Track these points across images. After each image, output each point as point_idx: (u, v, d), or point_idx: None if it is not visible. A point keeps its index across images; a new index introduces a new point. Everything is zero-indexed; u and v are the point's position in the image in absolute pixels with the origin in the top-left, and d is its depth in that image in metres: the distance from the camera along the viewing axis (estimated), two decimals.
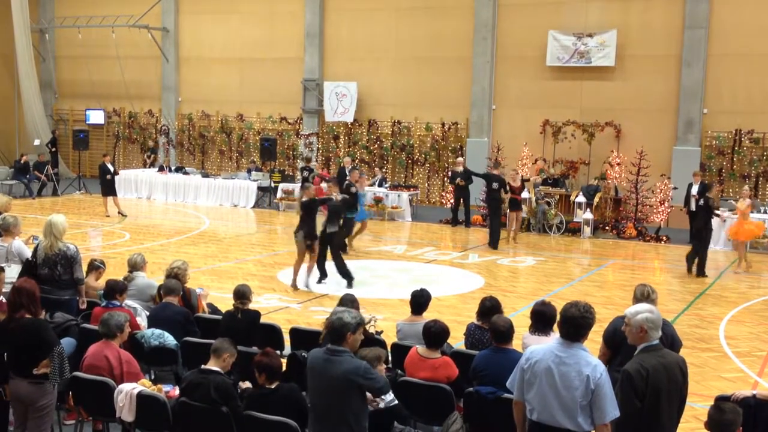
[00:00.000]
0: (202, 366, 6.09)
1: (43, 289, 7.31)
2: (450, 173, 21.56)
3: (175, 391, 6.35)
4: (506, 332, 6.43)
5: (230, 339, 6.33)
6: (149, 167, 26.51)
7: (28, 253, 8.78)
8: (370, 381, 5.33)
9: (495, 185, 17.50)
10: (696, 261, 15.02)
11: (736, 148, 20.40)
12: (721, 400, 5.52)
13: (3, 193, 15.83)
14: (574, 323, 4.99)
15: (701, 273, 14.91)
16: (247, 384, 6.46)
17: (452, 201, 20.88)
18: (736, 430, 4.98)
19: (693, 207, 17.80)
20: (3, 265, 8.81)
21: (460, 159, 21.55)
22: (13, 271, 8.58)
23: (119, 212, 20.89)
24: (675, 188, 19.42)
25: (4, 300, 6.95)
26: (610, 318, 6.76)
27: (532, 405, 5.07)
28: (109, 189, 21.00)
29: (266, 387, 5.98)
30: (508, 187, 17.75)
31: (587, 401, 4.87)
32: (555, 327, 6.94)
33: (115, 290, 7.98)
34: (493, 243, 17.30)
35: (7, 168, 26.18)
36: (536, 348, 5.21)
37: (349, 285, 12.97)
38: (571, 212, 19.99)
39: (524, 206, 19.16)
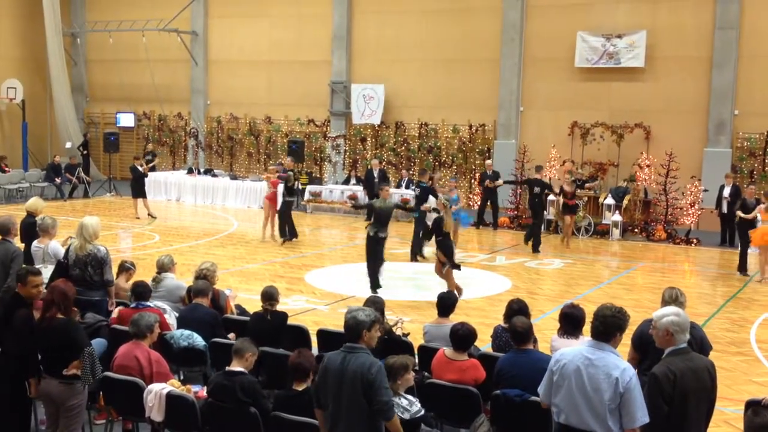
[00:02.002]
0: (227, 368, 6.14)
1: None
2: (480, 175, 21.51)
3: (204, 392, 6.41)
4: (524, 333, 6.43)
5: (250, 338, 6.39)
6: (148, 170, 25.91)
7: (63, 254, 8.89)
8: (374, 386, 5.02)
9: (537, 189, 17.35)
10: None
11: (767, 150, 20.13)
12: (752, 405, 5.46)
13: (36, 195, 16.10)
14: (604, 321, 5.01)
15: (740, 270, 14.98)
16: None
17: (479, 203, 20.85)
18: None
19: (725, 209, 17.60)
20: (39, 266, 8.96)
21: (489, 162, 21.47)
22: (48, 272, 8.70)
23: (149, 214, 21.09)
24: (705, 190, 19.20)
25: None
26: (639, 321, 6.71)
27: (560, 408, 5.06)
28: (138, 191, 21.21)
29: (293, 390, 6.00)
30: (559, 191, 17.70)
31: (616, 405, 4.85)
32: (584, 330, 6.94)
33: (145, 291, 8.09)
34: (536, 247, 17.15)
35: (39, 170, 26.56)
36: (565, 350, 5.21)
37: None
38: (600, 214, 19.86)
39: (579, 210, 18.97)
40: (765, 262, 14.89)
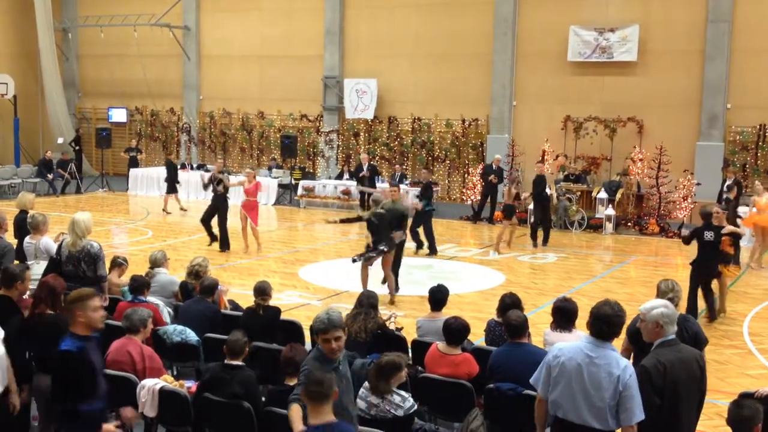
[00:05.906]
0: (225, 361, 6.13)
1: (67, 285, 7.36)
2: (483, 167, 21.10)
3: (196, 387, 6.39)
4: (520, 326, 6.43)
5: (242, 331, 6.39)
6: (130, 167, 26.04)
7: (55, 250, 8.87)
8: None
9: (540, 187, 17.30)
10: None
11: (760, 143, 20.16)
12: (744, 397, 5.47)
13: (27, 190, 16.03)
14: (608, 321, 4.93)
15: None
16: None
17: (476, 197, 20.70)
18: (755, 426, 4.93)
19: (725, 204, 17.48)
20: (32, 261, 8.94)
21: (498, 156, 21.00)
22: (41, 268, 8.68)
23: (167, 209, 21.61)
24: (698, 184, 19.23)
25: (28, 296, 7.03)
26: (632, 315, 6.70)
27: (558, 403, 5.01)
28: (170, 186, 21.80)
29: (286, 384, 5.99)
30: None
31: (615, 402, 4.82)
32: (576, 324, 6.94)
33: (142, 286, 8.08)
34: (545, 240, 17.18)
35: (31, 166, 26.45)
36: (564, 346, 5.13)
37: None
38: (593, 208, 19.89)
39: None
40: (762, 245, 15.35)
